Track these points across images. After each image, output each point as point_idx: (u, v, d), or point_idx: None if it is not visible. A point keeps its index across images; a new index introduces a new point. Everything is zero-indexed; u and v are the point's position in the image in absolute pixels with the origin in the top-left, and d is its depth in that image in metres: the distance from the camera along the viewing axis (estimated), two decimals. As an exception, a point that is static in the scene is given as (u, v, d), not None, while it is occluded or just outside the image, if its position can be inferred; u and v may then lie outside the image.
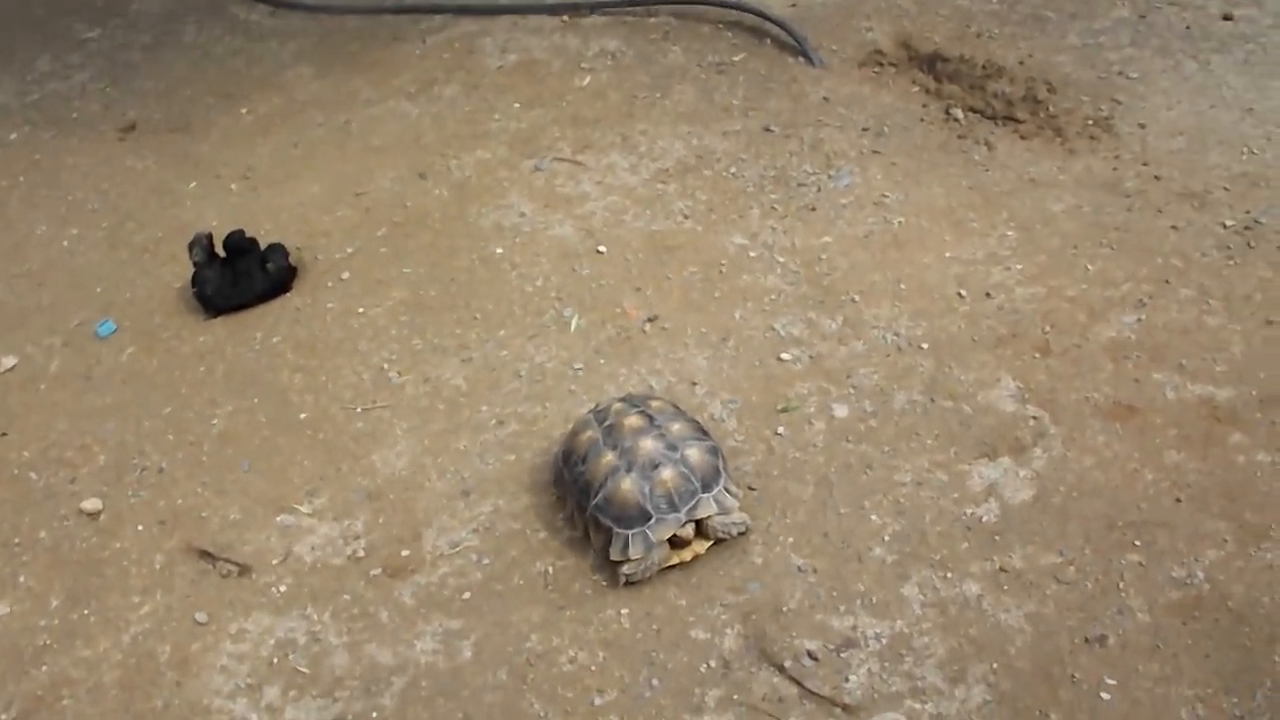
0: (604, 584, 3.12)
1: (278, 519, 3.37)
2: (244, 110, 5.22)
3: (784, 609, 3.02)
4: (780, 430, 3.48)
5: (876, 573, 3.10)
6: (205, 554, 3.29)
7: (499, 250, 4.25)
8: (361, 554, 3.26)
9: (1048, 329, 3.76)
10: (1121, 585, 3.05)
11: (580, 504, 3.13)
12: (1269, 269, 3.94)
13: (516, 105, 5.03)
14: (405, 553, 3.24)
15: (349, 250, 4.29)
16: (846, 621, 3.00)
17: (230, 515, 3.40)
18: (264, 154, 4.90)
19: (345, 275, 4.18)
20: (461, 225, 4.38)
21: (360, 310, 4.03)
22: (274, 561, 3.26)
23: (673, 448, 3.09)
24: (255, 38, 5.78)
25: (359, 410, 3.67)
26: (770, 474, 3.36)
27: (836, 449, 3.42)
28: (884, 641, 2.95)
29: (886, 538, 3.18)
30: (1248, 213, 4.17)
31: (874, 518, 3.23)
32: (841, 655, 2.93)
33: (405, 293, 4.10)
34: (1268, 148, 4.49)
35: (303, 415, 3.67)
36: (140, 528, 3.39)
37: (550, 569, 3.17)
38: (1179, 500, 3.24)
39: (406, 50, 5.52)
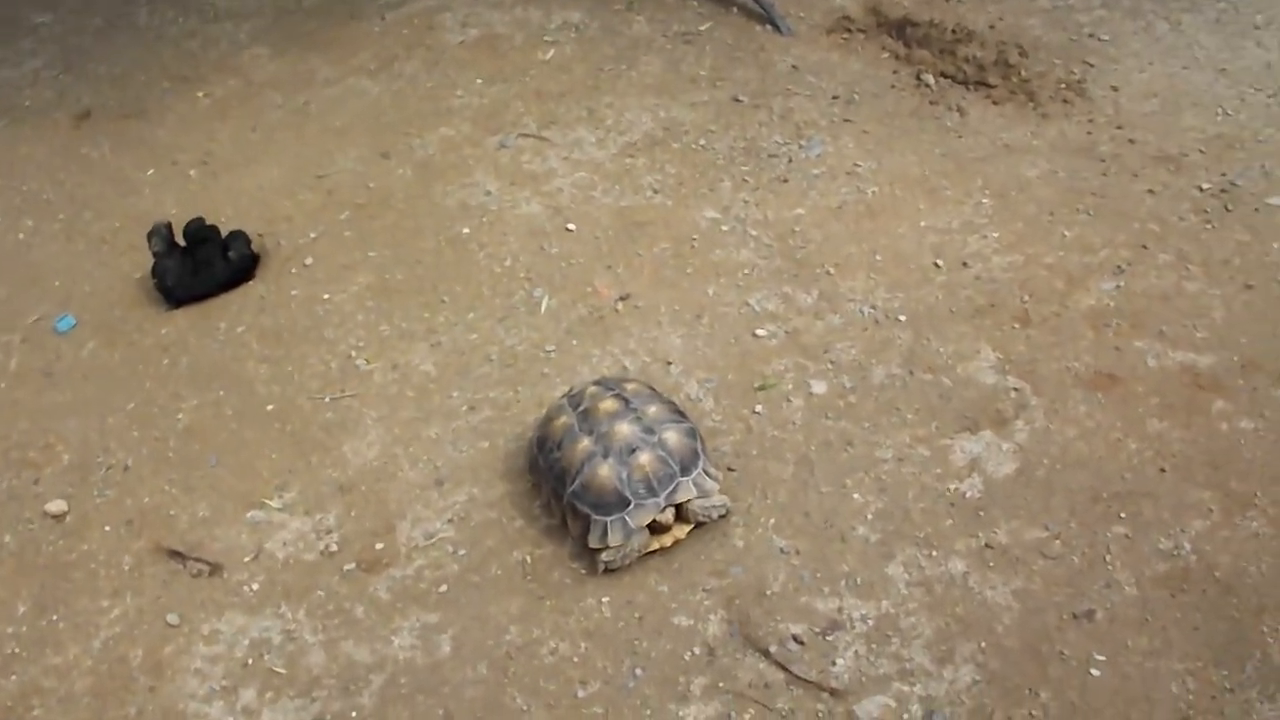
0: (583, 572, 3.05)
1: (248, 515, 3.29)
2: (200, 94, 5.09)
3: (768, 592, 2.97)
4: (758, 409, 3.42)
5: (860, 552, 3.05)
6: (175, 553, 3.20)
7: (465, 230, 4.16)
8: (335, 548, 3.18)
9: (1026, 298, 3.71)
10: (1108, 558, 3.01)
11: (556, 491, 3.06)
12: (1246, 232, 3.90)
13: (479, 81, 4.93)
14: (379, 546, 3.17)
15: (312, 235, 4.19)
16: (831, 603, 2.95)
17: (199, 512, 3.32)
18: (222, 138, 4.78)
19: (309, 261, 4.08)
20: (426, 205, 4.29)
21: (325, 296, 3.94)
22: (245, 559, 3.18)
23: (650, 431, 3.03)
24: (210, 19, 5.64)
25: (327, 400, 3.58)
26: (749, 454, 3.30)
27: (816, 426, 3.37)
28: (870, 623, 2.90)
29: (869, 516, 3.13)
30: (1224, 175, 4.13)
31: (856, 496, 3.18)
32: (827, 638, 2.88)
33: (371, 277, 4.01)
34: (1241, 109, 4.45)
35: (270, 407, 3.58)
36: (107, 529, 3.30)
37: (528, 558, 3.10)
38: (1163, 470, 3.21)
39: (365, 28, 5.40)
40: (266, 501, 3.31)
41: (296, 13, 5.61)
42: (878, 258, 3.89)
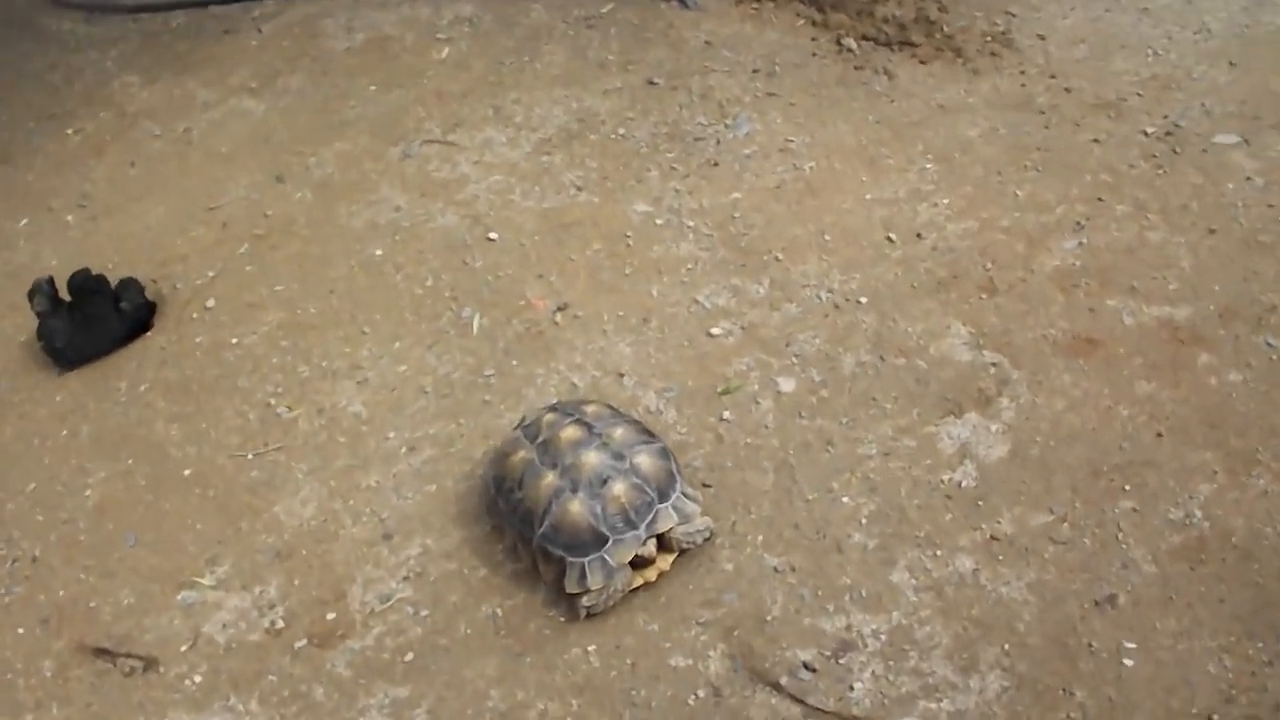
0: (562, 620, 2.76)
1: (179, 597, 2.95)
2: (70, 131, 4.67)
3: (768, 618, 2.72)
4: (726, 415, 3.16)
5: (860, 561, 2.81)
6: (102, 651, 2.84)
7: (378, 252, 3.83)
8: (281, 624, 2.85)
9: (988, 265, 3.51)
10: (1120, 536, 2.81)
11: (523, 535, 2.76)
12: (1199, 174, 3.74)
13: (372, 88, 4.59)
14: (331, 616, 2.85)
15: (210, 274, 3.83)
16: (839, 622, 2.70)
17: (123, 601, 2.96)
18: (99, 177, 4.38)
19: (210, 303, 3.72)
20: (331, 229, 3.95)
21: (234, 341, 3.58)
22: (182, 648, 2.83)
23: (619, 457, 2.75)
24: (72, 49, 5.21)
25: (250, 456, 3.24)
26: (724, 466, 3.04)
27: (790, 428, 3.12)
28: (883, 638, 2.66)
29: (863, 520, 2.89)
30: (1165, 117, 3.98)
31: (845, 499, 2.93)
32: (840, 661, 2.63)
33: (281, 313, 3.66)
34: (1171, 48, 4.30)
35: (187, 471, 3.23)
36: (20, 631, 2.92)
37: (499, 611, 2.81)
38: (1160, 435, 3.02)
39: (241, 42, 5.02)
40: (197, 579, 2.97)
41: (164, 34, 5.21)
42: (826, 237, 3.65)
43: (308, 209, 4.06)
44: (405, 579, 2.90)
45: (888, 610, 2.71)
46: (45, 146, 4.61)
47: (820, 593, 2.75)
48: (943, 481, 2.95)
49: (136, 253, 3.98)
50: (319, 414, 3.34)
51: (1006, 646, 2.63)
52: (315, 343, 3.55)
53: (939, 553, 2.80)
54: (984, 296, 3.41)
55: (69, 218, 4.21)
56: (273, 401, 3.40)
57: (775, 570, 2.80)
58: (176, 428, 3.37)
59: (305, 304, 3.69)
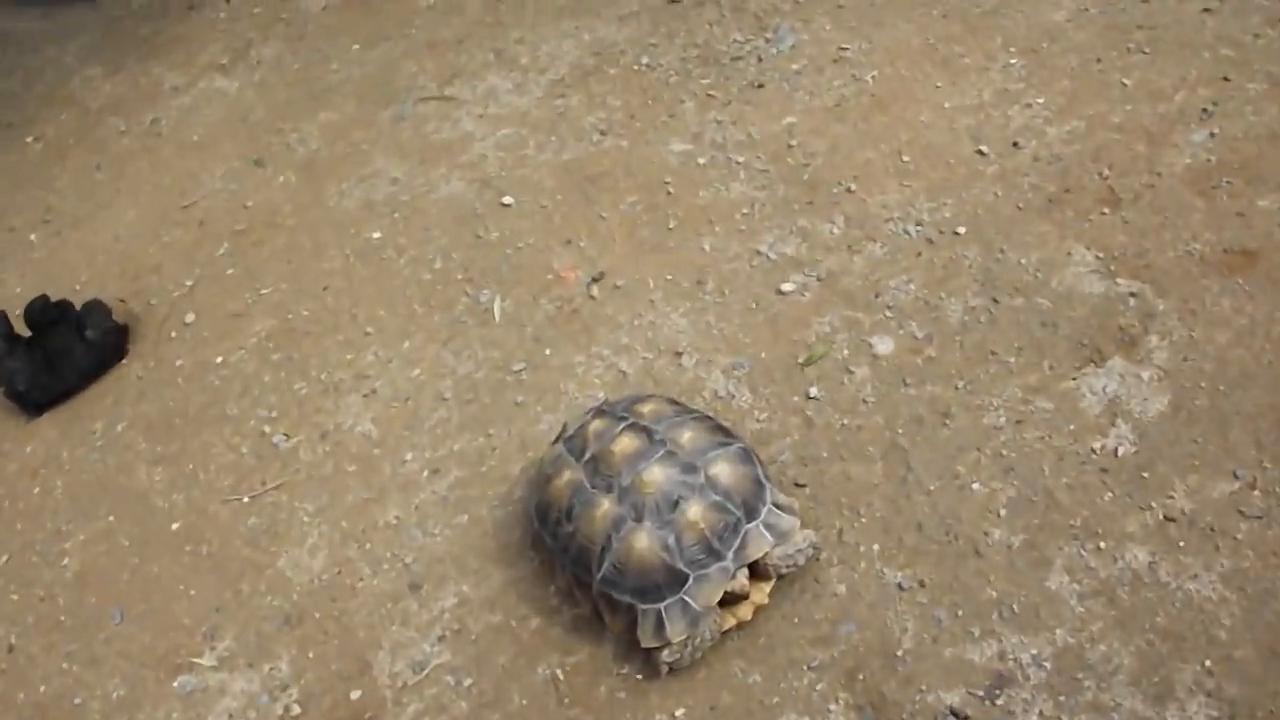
0: (639, 678, 2.21)
1: (175, 684, 2.44)
2: (30, 139, 4.17)
3: (898, 652, 2.15)
4: (813, 391, 2.58)
5: (1005, 566, 2.22)
6: (86, 765, 2.35)
7: (376, 234, 3.29)
8: (297, 710, 2.34)
9: (1105, 172, 2.88)
10: (1331, 499, 2.21)
11: (579, 579, 2.21)
12: (1339, 33, 3.08)
13: (355, 47, 4.04)
14: (355, 695, 2.32)
15: (188, 283, 3.31)
16: (988, 649, 2.12)
17: (112, 693, 2.46)
18: (63, 187, 3.87)
19: (190, 318, 3.20)
20: (321, 214, 3.41)
21: (218, 360, 3.06)
22: (182, 752, 2.33)
23: (691, 469, 2.17)
24: (29, 49, 4.69)
25: (246, 500, 2.72)
26: (819, 457, 2.46)
27: (895, 399, 2.53)
28: (1047, 666, 2.09)
29: (1001, 511, 2.30)
30: (1290, -31, 3.30)
31: (976, 486, 2.35)
32: (997, 701, 2.06)
33: (270, 321, 3.13)
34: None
35: (175, 525, 2.72)
36: (-7, 742, 2.44)
37: (558, 672, 2.26)
38: (1359, 359, 2.40)
39: (208, 17, 4.49)
40: (195, 660, 2.46)
41: (126, 18, 4.67)
42: (905, 159, 3.04)
43: (292, 194, 3.52)
44: (441, 639, 2.36)
45: (1049, 627, 2.13)
46: (3, 159, 4.10)
47: (960, 613, 2.17)
48: (1094, 451, 2.35)
49: (107, 267, 3.47)
50: (322, 439, 2.80)
51: (1207, 663, 2.04)
52: (311, 352, 3.02)
53: (1103, 545, 2.21)
54: (1106, 211, 2.79)
55: (32, 236, 3.70)
56: (268, 429, 2.87)
57: (900, 588, 2.23)
58: (161, 472, 2.85)
59: (297, 306, 3.15)
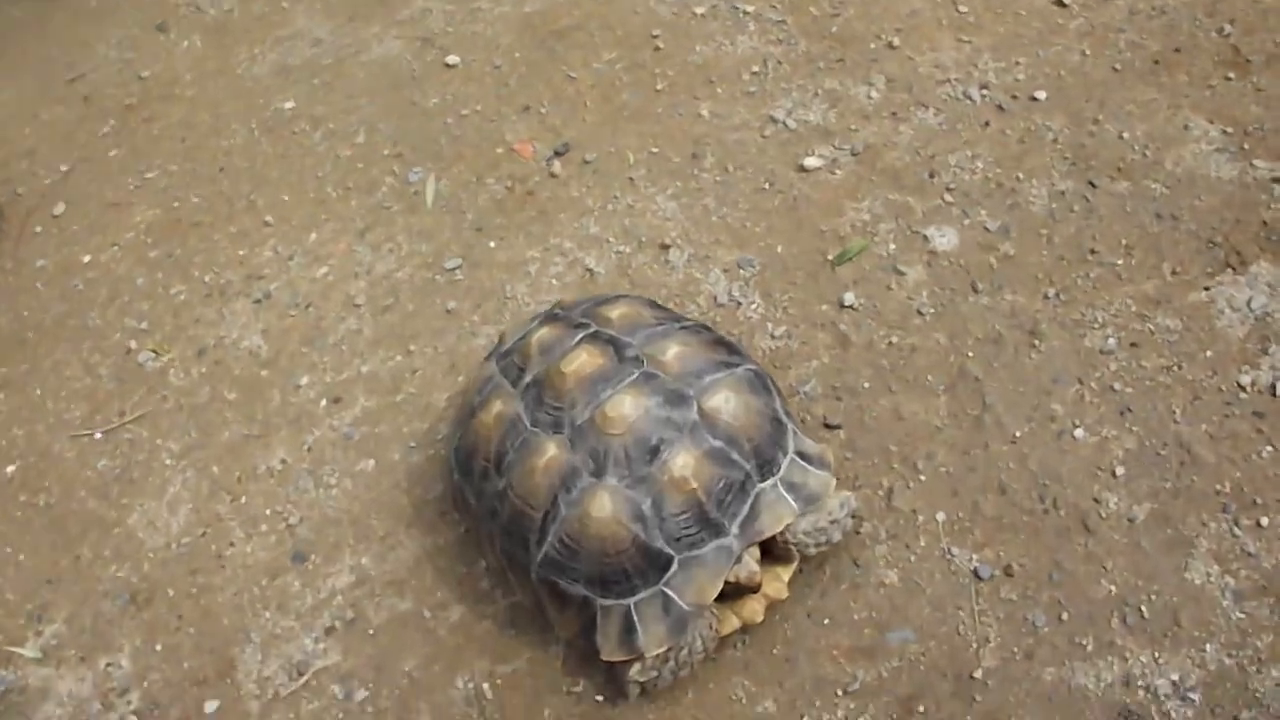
0: (599, 700, 1.54)
1: (-17, 679, 1.78)
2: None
3: (974, 673, 1.49)
4: (848, 299, 1.92)
5: (1126, 546, 1.56)
6: None
7: (289, 104, 2.63)
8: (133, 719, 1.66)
9: (1226, 28, 2.20)
10: None
11: (513, 557, 1.52)
12: None
13: (275, -122, 3.27)
14: (211, 707, 1.69)
15: (63, 168, 2.66)
16: (1108, 671, 1.47)
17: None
18: (-66, 66, 3.13)
19: (59, 209, 2.57)
20: (227, 83, 2.75)
21: (86, 260, 2.42)
22: (-21, 778, 1.69)
23: (679, 400, 1.48)
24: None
25: (98, 435, 2.08)
26: (858, 388, 1.79)
27: (963, 311, 1.87)
28: (1196, 696, 1.42)
29: (1118, 469, 1.64)
30: None
31: (1080, 433, 1.69)
32: (1124, 751, 1.41)
33: (153, 211, 2.49)
34: None
35: (10, 468, 2.07)
36: None
37: (486, 687, 1.60)
38: None
39: None
40: (15, 650, 1.81)
41: None
42: (962, 9, 2.39)
43: (197, 61, 2.85)
44: (329, 631, 1.71)
45: (1195, 641, 1.47)
46: None
47: (1065, 615, 1.51)
48: (1241, 388, 1.71)
49: (-25, 156, 2.75)
50: (198, 357, 2.14)
51: None
52: (197, 248, 2.35)
53: (1264, 520, 1.55)
54: (1230, 76, 2.14)
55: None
56: (134, 344, 2.22)
57: (977, 577, 1.56)
58: (2, 400, 2.15)
59: (185, 193, 2.50)
